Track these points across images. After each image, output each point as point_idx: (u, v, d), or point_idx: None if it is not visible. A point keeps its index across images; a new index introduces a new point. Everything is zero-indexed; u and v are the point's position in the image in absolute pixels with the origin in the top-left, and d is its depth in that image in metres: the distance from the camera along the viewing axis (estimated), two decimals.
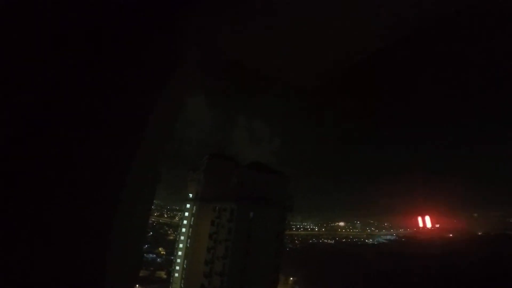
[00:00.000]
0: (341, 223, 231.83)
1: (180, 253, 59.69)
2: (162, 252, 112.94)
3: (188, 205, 60.70)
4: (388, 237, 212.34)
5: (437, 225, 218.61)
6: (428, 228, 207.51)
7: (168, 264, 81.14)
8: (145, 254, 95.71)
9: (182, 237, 60.15)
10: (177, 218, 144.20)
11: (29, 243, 3.69)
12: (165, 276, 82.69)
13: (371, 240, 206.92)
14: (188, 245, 56.71)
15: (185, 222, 60.63)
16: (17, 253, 3.69)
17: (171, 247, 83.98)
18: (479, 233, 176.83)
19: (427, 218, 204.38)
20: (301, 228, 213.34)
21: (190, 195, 60.82)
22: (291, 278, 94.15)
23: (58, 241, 3.84)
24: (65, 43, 4.37)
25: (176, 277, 58.47)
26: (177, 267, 59.27)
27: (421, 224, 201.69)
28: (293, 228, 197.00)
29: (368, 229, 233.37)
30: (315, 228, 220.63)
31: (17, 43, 4.09)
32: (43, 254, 3.78)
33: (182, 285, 55.78)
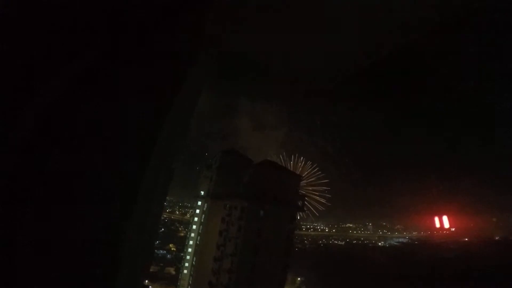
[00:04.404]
0: (352, 224, 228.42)
1: (190, 249, 60.37)
2: (172, 249, 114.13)
3: (199, 202, 61.27)
4: (401, 239, 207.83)
5: (453, 229, 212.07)
6: (443, 231, 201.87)
7: (178, 261, 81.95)
8: (155, 250, 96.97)
9: (192, 234, 60.78)
10: (188, 215, 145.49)
11: (46, 235, 3.75)
12: (174, 273, 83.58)
13: (382, 242, 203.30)
14: (198, 242, 57.23)
15: (196, 219, 61.26)
16: (33, 244, 3.75)
17: (182, 243, 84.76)
18: (497, 238, 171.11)
19: (445, 218, 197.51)
20: (311, 228, 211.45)
21: (202, 192, 61.37)
22: (299, 279, 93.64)
23: (73, 236, 3.89)
24: (80, 43, 4.40)
25: (185, 273, 59.15)
26: (186, 264, 59.97)
27: (438, 225, 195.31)
28: (303, 228, 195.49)
29: (380, 231, 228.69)
30: (325, 229, 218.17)
31: (26, 47, 4.12)
32: (57, 248, 3.84)
33: (190, 281, 56.38)
